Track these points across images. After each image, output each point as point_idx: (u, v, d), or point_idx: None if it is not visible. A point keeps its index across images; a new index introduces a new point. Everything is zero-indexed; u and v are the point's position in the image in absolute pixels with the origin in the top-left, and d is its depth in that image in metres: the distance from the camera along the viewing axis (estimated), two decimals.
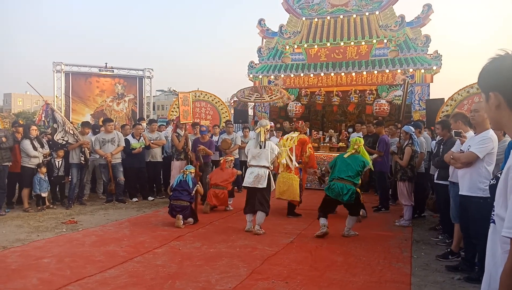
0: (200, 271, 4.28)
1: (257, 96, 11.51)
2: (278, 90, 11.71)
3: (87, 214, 7.26)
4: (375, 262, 4.66)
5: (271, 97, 11.48)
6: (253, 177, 5.94)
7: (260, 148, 6.06)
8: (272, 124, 7.45)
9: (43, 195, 7.64)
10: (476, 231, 4.00)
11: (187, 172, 6.65)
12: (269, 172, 6.04)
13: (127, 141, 8.68)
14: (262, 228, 5.94)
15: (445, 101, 11.53)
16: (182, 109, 8.68)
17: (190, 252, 4.96)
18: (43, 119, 8.29)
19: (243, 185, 6.54)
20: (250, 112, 14.28)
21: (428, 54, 12.25)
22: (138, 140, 8.78)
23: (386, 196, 7.77)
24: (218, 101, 14.09)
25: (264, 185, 5.90)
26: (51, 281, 3.94)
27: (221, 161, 7.91)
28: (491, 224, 1.44)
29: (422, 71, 12.10)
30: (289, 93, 13.14)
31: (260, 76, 13.60)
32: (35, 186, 7.54)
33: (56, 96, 13.69)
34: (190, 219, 6.39)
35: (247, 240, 5.51)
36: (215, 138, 10.57)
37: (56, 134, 7.97)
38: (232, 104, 12.95)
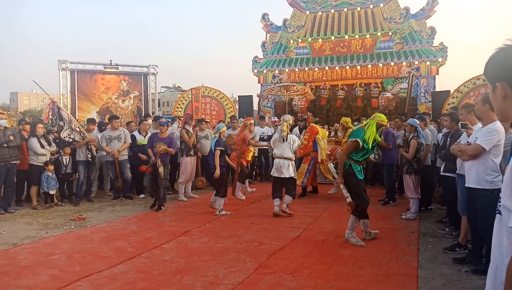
0: (208, 265, 4.31)
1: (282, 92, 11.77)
2: (302, 88, 11.83)
3: (95, 210, 7.32)
4: (382, 255, 4.67)
5: (295, 92, 11.71)
6: (280, 168, 6.70)
7: (283, 141, 6.75)
8: (291, 117, 7.27)
9: (51, 192, 7.71)
10: (483, 223, 3.99)
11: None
12: (293, 162, 6.79)
13: (133, 137, 8.72)
14: (289, 209, 6.75)
15: (451, 93, 11.47)
16: (194, 105, 8.82)
17: (198, 247, 5.00)
18: (50, 117, 8.35)
19: (271, 173, 7.21)
20: (255, 107, 14.28)
21: (433, 46, 12.17)
22: (145, 136, 8.82)
23: (393, 189, 7.76)
24: (223, 97, 14.11)
25: (291, 174, 6.67)
26: (61, 277, 3.99)
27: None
28: (497, 215, 1.44)
29: (428, 63, 12.04)
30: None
31: (265, 71, 13.60)
32: (42, 184, 7.61)
33: (62, 94, 13.78)
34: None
35: (253, 235, 5.54)
36: None
37: (62, 132, 8.03)
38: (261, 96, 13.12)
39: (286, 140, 6.75)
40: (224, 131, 7.46)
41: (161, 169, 7.23)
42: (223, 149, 6.98)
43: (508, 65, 1.34)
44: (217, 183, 6.90)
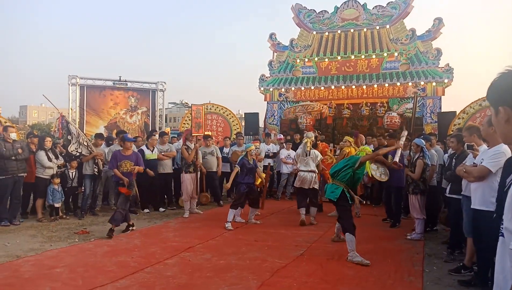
0: (210, 282, 4.29)
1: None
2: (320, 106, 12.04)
3: (99, 224, 7.34)
4: (386, 276, 4.62)
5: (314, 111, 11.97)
6: (304, 180, 7.36)
7: (307, 155, 7.47)
8: (313, 134, 8.06)
9: (56, 205, 7.75)
10: (488, 246, 3.95)
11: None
12: (316, 175, 7.41)
13: (141, 151, 8.78)
14: (316, 220, 7.57)
15: (457, 114, 11.46)
16: (194, 121, 8.74)
17: (200, 263, 4.98)
18: (61, 130, 8.45)
19: (294, 185, 7.90)
20: (261, 124, 14.36)
21: (439, 67, 12.23)
22: (152, 151, 8.88)
23: (400, 211, 7.66)
24: (229, 114, 14.21)
25: (315, 186, 7.35)
26: None
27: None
28: (500, 238, 1.44)
29: (434, 84, 12.07)
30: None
31: (271, 89, 13.70)
32: (48, 197, 7.66)
33: (71, 109, 13.95)
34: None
35: (257, 252, 5.51)
36: (225, 150, 10.66)
37: (70, 146, 8.12)
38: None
39: (309, 155, 7.47)
40: (251, 150, 7.56)
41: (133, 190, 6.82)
42: (252, 166, 7.46)
43: (510, 89, 1.37)
44: (235, 196, 7.73)
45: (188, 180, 8.32)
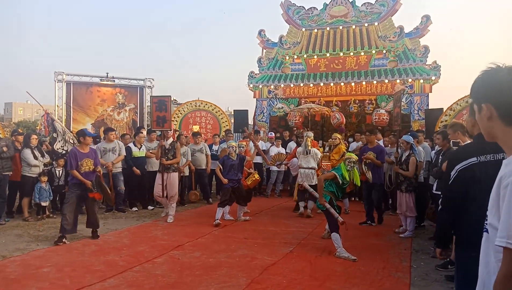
0: (200, 280, 4.28)
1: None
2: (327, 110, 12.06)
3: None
4: (374, 272, 4.66)
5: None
6: (304, 176, 7.71)
7: (307, 153, 7.82)
8: (312, 134, 8.49)
9: (43, 204, 7.64)
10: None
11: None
12: (315, 171, 7.79)
13: (128, 149, 8.70)
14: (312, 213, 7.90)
15: (444, 111, 11.60)
16: (155, 115, 7.87)
17: (190, 261, 4.96)
18: (46, 128, 8.31)
19: (298, 181, 8.07)
20: (250, 121, 14.34)
21: (427, 65, 12.35)
22: (140, 148, 8.81)
23: (381, 207, 7.71)
24: (218, 111, 14.17)
25: (313, 182, 7.45)
26: None
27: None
28: (484, 233, 1.46)
29: (421, 81, 12.19)
30: (288, 102, 13.28)
31: (260, 86, 13.69)
32: (35, 195, 7.55)
33: (57, 106, 13.74)
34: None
35: (246, 250, 5.51)
36: (215, 147, 10.62)
37: (55, 144, 8.00)
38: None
39: (310, 153, 7.83)
40: (230, 146, 7.61)
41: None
42: (235, 163, 7.46)
43: (493, 87, 1.39)
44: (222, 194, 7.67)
45: (157, 180, 7.78)
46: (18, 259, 4.99)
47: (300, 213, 8.02)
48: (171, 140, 7.98)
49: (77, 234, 6.36)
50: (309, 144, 7.92)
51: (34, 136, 7.89)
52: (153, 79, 15.08)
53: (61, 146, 7.98)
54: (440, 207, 2.66)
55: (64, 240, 5.79)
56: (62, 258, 5.04)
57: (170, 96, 8.16)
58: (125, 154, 8.58)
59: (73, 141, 8.06)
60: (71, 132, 9.26)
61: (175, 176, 7.75)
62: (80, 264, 4.78)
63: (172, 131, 8.29)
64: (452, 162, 2.54)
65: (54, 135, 8.04)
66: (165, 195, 7.66)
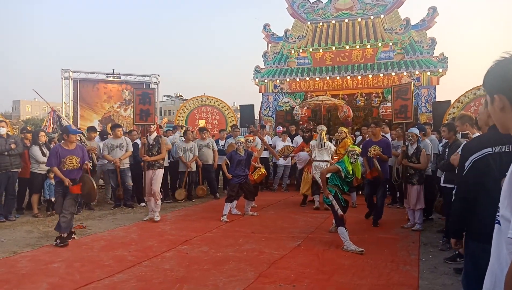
0: (208, 275, 4.31)
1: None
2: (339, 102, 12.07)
3: (95, 219, 7.32)
4: (382, 265, 4.65)
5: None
6: (319, 169, 7.54)
7: (322, 147, 7.92)
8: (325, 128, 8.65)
9: (53, 200, 7.71)
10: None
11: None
12: (329, 164, 7.66)
13: (136, 145, 8.74)
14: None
15: (452, 103, 11.49)
16: (138, 108, 7.32)
17: (198, 256, 4.99)
18: (52, 125, 8.37)
19: (311, 174, 8.09)
20: (256, 116, 14.33)
21: (434, 57, 12.23)
22: None
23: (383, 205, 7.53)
24: (224, 106, 14.17)
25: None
26: (61, 285, 3.99)
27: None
28: (496, 225, 1.44)
29: (428, 73, 12.08)
30: (294, 97, 13.23)
31: (266, 81, 13.65)
32: (45, 191, 7.63)
33: (65, 103, 13.82)
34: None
35: (254, 244, 5.53)
36: (221, 143, 10.64)
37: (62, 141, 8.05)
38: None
39: (324, 146, 7.94)
40: (239, 142, 7.57)
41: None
42: (243, 158, 7.44)
43: (506, 78, 1.36)
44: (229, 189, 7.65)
45: (146, 179, 7.25)
46: (28, 254, 5.05)
47: (316, 208, 8.04)
48: (154, 134, 7.38)
49: (85, 229, 6.43)
50: (324, 137, 8.01)
51: (43, 134, 7.96)
52: (159, 75, 15.10)
53: None
54: (453, 197, 2.64)
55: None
56: (72, 253, 5.09)
57: (154, 88, 7.89)
58: (132, 150, 8.63)
59: (80, 138, 8.11)
60: (79, 129, 9.32)
61: (160, 173, 7.26)
62: (89, 260, 4.82)
63: (156, 125, 7.73)
64: (467, 152, 2.51)
65: (61, 132, 8.08)
66: (149, 193, 7.15)
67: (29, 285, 3.99)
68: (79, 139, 8.02)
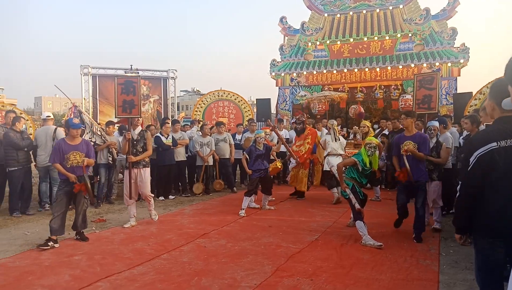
0: (226, 268, 4.33)
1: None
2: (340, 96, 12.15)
3: (115, 212, 7.45)
4: (402, 260, 4.59)
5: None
6: (333, 162, 7.69)
7: (336, 141, 8.06)
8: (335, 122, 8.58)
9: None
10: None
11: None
12: (342, 158, 7.82)
13: (158, 138, 8.81)
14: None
15: (473, 95, 11.22)
16: (121, 99, 6.45)
17: (216, 249, 5.03)
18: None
19: (324, 169, 8.32)
20: (273, 110, 14.30)
21: (454, 47, 11.95)
22: (167, 138, 8.93)
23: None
24: (241, 100, 14.18)
25: None
26: (82, 277, 4.08)
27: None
28: None
29: (449, 64, 11.83)
30: (311, 90, 13.13)
31: (283, 74, 13.60)
32: None
33: (84, 98, 14.06)
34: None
35: (271, 238, 5.53)
36: (238, 137, 10.66)
37: (84, 135, 8.17)
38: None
39: (339, 140, 8.10)
40: (259, 137, 7.52)
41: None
42: (262, 152, 7.44)
43: None
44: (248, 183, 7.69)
45: (125, 178, 6.53)
46: None
47: (337, 200, 7.98)
48: (139, 129, 6.58)
49: (105, 223, 6.54)
50: (337, 131, 8.21)
51: (63, 129, 8.10)
52: (176, 70, 15.19)
53: (89, 138, 8.16)
54: (458, 193, 2.57)
55: (50, 243, 5.07)
56: (93, 246, 5.19)
57: (139, 76, 7.00)
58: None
59: (101, 133, 8.25)
60: (99, 124, 9.46)
61: (146, 173, 6.42)
62: (109, 252, 4.91)
63: (141, 118, 7.04)
64: (471, 147, 2.44)
65: (82, 127, 8.22)
66: (134, 195, 6.39)
67: (52, 277, 4.09)
68: (99, 134, 8.17)
